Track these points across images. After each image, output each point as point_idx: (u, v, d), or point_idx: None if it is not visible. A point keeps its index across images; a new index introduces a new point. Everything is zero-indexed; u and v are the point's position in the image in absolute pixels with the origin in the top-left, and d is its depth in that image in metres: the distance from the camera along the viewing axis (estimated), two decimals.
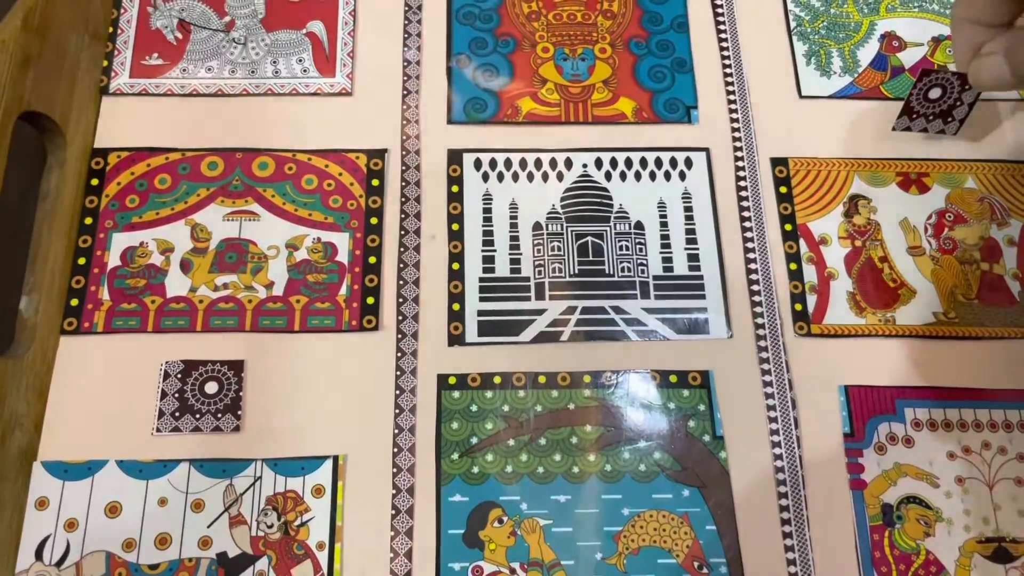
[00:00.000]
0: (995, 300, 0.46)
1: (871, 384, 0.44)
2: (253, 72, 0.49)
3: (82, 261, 0.44)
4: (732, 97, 0.50)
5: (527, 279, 0.45)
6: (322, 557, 0.39)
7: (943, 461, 0.42)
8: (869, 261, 0.46)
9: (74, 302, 0.43)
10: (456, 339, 0.44)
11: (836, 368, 0.44)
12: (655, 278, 0.46)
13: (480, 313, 0.44)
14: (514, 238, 0.46)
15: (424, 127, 0.48)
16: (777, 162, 0.48)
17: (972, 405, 0.44)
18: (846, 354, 0.44)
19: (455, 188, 0.47)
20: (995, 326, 0.45)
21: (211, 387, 0.42)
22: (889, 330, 0.45)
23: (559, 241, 0.46)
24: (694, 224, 0.47)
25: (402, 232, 0.46)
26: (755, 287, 0.45)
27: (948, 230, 0.47)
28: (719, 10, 0.52)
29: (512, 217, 0.47)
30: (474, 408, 0.43)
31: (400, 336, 0.44)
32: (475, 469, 0.41)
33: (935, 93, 0.46)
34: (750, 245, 0.46)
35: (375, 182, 0.47)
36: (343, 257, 0.45)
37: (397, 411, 0.42)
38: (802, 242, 0.46)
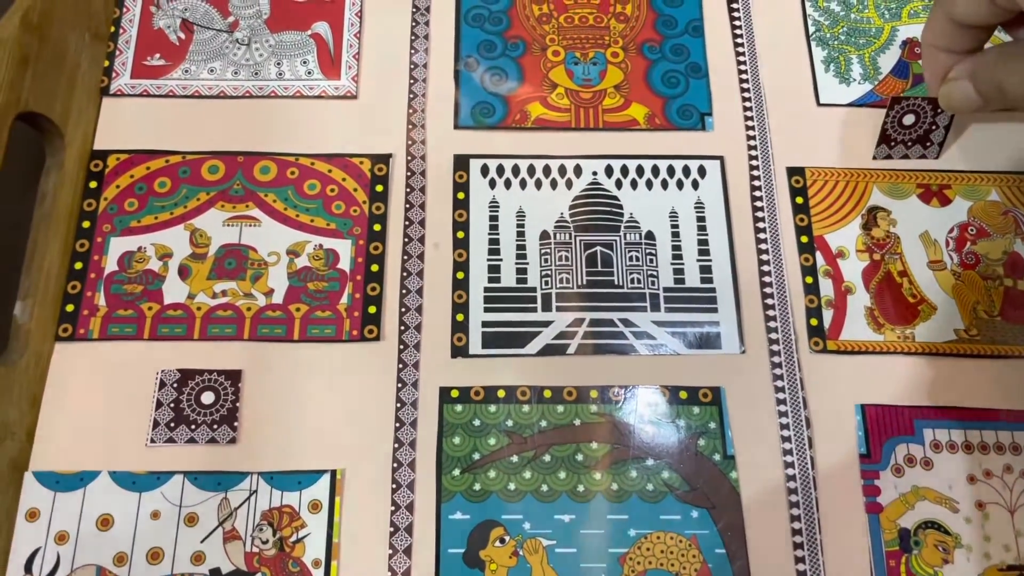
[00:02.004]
0: (1019, 317, 0.44)
1: (889, 403, 0.42)
2: (256, 74, 0.48)
3: (79, 266, 0.43)
4: (748, 104, 0.48)
5: (533, 289, 0.44)
6: (318, 575, 0.38)
7: (963, 485, 0.41)
8: (888, 275, 0.45)
9: (69, 308, 0.42)
10: (459, 351, 0.43)
11: (852, 386, 0.42)
12: (666, 290, 0.44)
13: (485, 324, 0.43)
14: (521, 247, 0.45)
15: (430, 132, 0.47)
16: (793, 171, 0.47)
17: (994, 427, 0.42)
18: (863, 372, 0.43)
19: (461, 195, 0.46)
20: (1018, 344, 0.43)
21: (207, 397, 0.41)
22: (908, 347, 0.43)
23: (567, 251, 0.45)
24: (707, 235, 0.45)
25: (406, 239, 0.45)
26: (769, 301, 0.44)
27: (970, 244, 0.45)
28: (735, 14, 0.51)
29: (519, 225, 0.45)
30: (477, 422, 0.41)
31: (402, 347, 0.43)
32: (477, 486, 0.40)
33: (909, 119, 0.45)
34: (764, 257, 0.45)
35: (379, 188, 0.46)
36: (345, 265, 0.44)
37: (397, 424, 0.41)
38: (819, 255, 0.45)
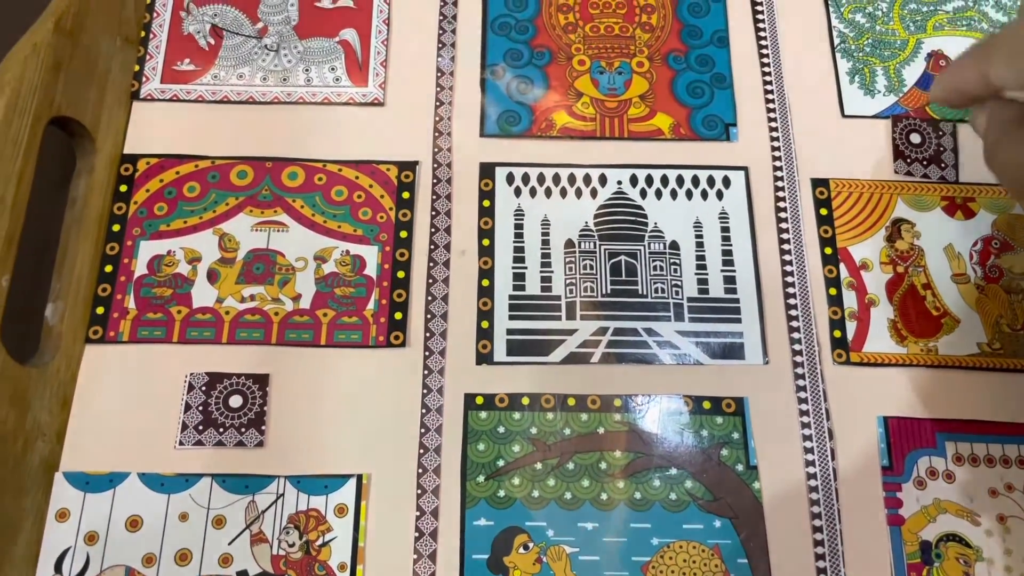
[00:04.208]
0: None
1: (911, 416, 0.42)
2: (285, 80, 0.48)
3: (109, 269, 0.44)
4: (772, 115, 0.48)
5: (558, 298, 0.44)
6: None
7: (984, 498, 0.41)
8: (912, 288, 0.45)
9: (100, 310, 0.43)
10: (484, 357, 0.43)
11: (875, 398, 0.43)
12: (689, 300, 0.44)
13: (509, 332, 0.44)
14: (545, 255, 0.45)
15: (456, 139, 0.48)
16: (818, 183, 0.47)
17: (1016, 440, 0.42)
18: (886, 384, 0.43)
19: (486, 203, 0.46)
20: None
21: (235, 401, 0.41)
22: (931, 360, 0.43)
23: (591, 259, 0.45)
24: (731, 245, 0.46)
25: (431, 247, 0.45)
26: (793, 312, 0.44)
27: (994, 257, 0.46)
28: (760, 25, 0.51)
29: (544, 234, 0.46)
30: (501, 429, 0.42)
31: (427, 353, 0.43)
32: (501, 493, 0.41)
33: (916, 138, 0.45)
34: (788, 268, 0.45)
35: (405, 195, 0.46)
36: (371, 271, 0.44)
37: (423, 430, 0.41)
38: (842, 267, 0.45)
